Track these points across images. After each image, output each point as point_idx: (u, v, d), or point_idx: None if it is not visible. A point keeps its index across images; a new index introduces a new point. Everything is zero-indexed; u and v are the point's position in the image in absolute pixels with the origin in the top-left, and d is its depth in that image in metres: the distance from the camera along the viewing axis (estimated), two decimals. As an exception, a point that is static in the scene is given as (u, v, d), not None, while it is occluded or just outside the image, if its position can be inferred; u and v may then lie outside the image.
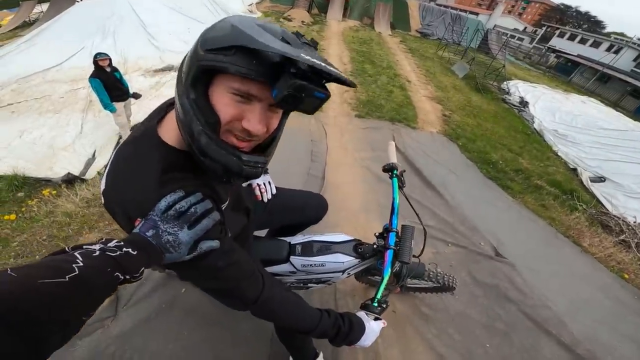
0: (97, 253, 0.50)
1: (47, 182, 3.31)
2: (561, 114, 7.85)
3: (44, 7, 13.86)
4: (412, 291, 2.18)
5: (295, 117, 4.76)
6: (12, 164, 3.48)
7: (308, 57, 0.48)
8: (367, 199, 3.26)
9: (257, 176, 0.65)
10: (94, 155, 4.04)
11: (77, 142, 4.21)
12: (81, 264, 0.46)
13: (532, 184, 4.49)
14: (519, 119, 7.69)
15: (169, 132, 0.68)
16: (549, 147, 6.38)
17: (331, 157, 3.91)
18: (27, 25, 13.23)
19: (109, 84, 3.75)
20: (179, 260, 0.64)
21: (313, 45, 0.57)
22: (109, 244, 0.54)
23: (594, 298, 2.76)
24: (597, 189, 5.00)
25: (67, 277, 0.43)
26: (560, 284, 2.80)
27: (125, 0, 8.42)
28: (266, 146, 0.69)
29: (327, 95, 0.54)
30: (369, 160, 3.96)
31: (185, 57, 0.59)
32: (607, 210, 4.45)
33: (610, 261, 3.30)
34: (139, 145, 0.68)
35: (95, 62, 3.67)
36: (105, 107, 3.81)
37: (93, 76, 3.65)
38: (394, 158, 1.47)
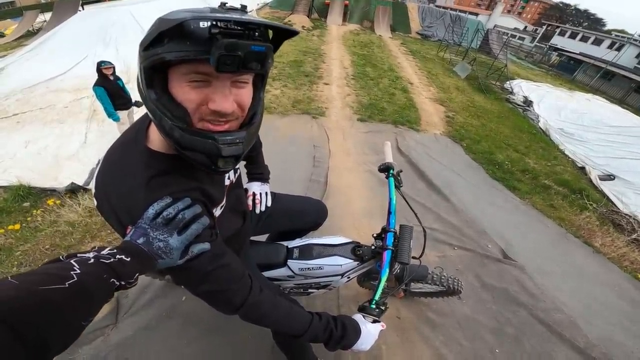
0: (92, 261, 0.53)
1: (52, 192, 3.34)
2: (566, 113, 7.80)
3: (47, 16, 14.10)
4: (416, 296, 2.15)
5: (296, 123, 4.78)
6: (18, 174, 3.49)
7: (219, 14, 0.50)
8: (371, 203, 3.22)
9: (240, 153, 0.64)
10: (98, 164, 4.04)
11: (82, 151, 4.21)
12: (78, 271, 0.48)
13: (539, 184, 4.42)
14: (523, 119, 7.63)
15: (155, 138, 0.69)
16: (555, 146, 6.30)
17: (334, 162, 3.87)
18: (31, 34, 13.42)
19: (113, 92, 3.73)
20: (173, 265, 0.65)
21: (242, 9, 0.56)
22: (102, 252, 0.56)
23: (608, 300, 2.69)
24: (606, 187, 4.91)
25: (66, 283, 0.46)
26: (572, 286, 2.73)
27: (127, 9, 8.50)
28: (247, 123, 0.68)
29: (267, 47, 0.54)
30: (371, 163, 3.92)
31: None
32: (618, 208, 4.36)
33: (624, 261, 3.22)
34: (126, 152, 0.70)
35: (99, 71, 3.64)
36: (110, 115, 3.80)
37: (97, 84, 3.63)
38: (390, 158, 1.46)
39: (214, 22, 0.49)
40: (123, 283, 0.55)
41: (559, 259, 3.04)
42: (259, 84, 0.69)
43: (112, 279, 0.52)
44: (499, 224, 3.30)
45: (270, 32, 0.58)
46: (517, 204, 3.83)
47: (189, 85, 0.57)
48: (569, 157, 5.90)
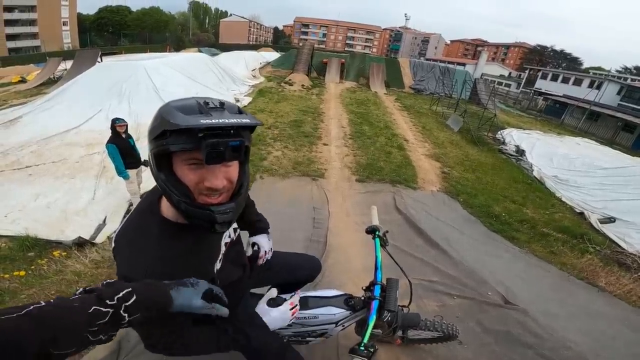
0: (80, 291, 0.66)
1: (57, 244, 3.42)
2: (558, 159, 8.01)
3: (68, 64, 14.71)
4: (414, 343, 2.16)
5: (297, 185, 4.99)
6: (25, 226, 3.61)
7: (204, 121, 0.66)
8: (369, 260, 3.22)
9: (231, 219, 0.83)
10: (104, 221, 4.09)
11: (90, 207, 4.32)
12: (43, 303, 0.57)
13: (538, 233, 4.50)
14: (517, 169, 7.81)
15: (166, 208, 0.88)
16: (551, 194, 6.43)
17: (333, 223, 3.96)
18: (52, 82, 13.75)
19: (124, 150, 3.81)
20: (191, 306, 0.78)
21: (220, 106, 0.74)
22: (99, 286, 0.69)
23: (618, 333, 2.71)
24: (608, 229, 4.99)
25: (14, 314, 0.52)
26: (580, 325, 2.75)
27: (141, 64, 9.10)
28: (235, 193, 0.86)
29: (241, 142, 0.72)
30: (369, 224, 4.01)
31: None
32: (623, 249, 4.43)
33: (631, 296, 3.28)
34: (143, 218, 0.90)
35: (113, 128, 3.77)
36: (120, 173, 3.86)
37: (110, 142, 3.72)
38: (376, 221, 1.66)
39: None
40: (103, 306, 0.62)
41: (563, 300, 3.08)
42: (244, 160, 0.87)
43: (95, 306, 0.61)
44: (499, 273, 3.35)
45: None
46: (516, 253, 3.90)
47: (188, 167, 0.75)
48: (567, 204, 5.99)
